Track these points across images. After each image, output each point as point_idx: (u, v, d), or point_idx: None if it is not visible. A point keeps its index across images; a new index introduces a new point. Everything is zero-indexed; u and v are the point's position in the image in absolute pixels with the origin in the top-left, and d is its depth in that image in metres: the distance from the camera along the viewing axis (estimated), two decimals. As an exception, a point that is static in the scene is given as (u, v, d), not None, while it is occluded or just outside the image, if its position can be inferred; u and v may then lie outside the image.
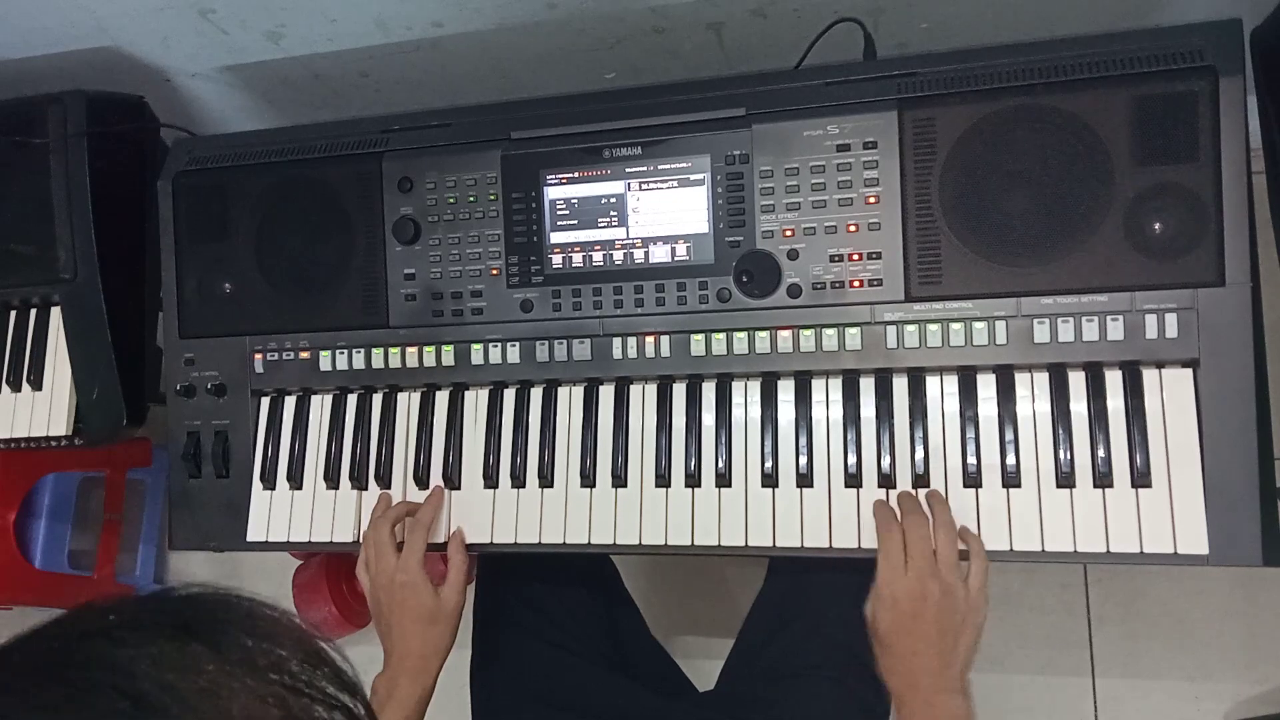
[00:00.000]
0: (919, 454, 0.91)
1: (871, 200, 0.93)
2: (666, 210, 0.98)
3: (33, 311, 1.24)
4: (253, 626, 0.44)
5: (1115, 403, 0.88)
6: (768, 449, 0.95)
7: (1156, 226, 0.86)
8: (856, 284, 0.93)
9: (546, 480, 1.00)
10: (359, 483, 1.07)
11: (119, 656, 0.40)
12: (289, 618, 0.46)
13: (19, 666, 0.41)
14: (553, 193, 1.01)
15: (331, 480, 1.07)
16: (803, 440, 0.94)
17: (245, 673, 0.42)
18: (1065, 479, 0.88)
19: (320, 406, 1.10)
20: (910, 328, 0.92)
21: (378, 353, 1.06)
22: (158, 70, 1.30)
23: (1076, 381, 0.89)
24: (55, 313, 1.23)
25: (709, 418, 0.97)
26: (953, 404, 0.92)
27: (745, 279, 0.96)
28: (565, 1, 1.12)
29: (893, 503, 0.89)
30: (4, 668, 0.41)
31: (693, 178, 0.97)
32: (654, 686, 1.11)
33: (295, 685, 0.43)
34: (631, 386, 1.00)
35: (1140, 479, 0.86)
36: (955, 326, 0.91)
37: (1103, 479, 0.87)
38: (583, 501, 0.99)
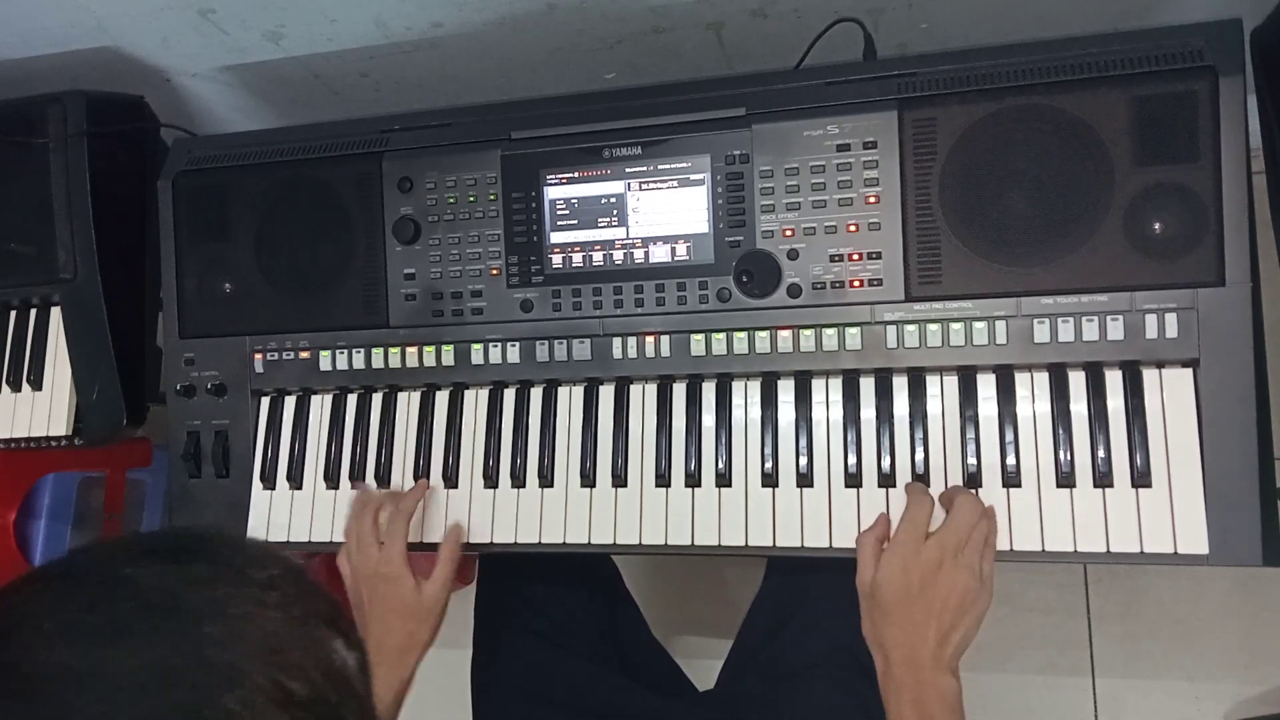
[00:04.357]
0: (919, 454, 0.91)
1: (871, 200, 0.93)
2: (666, 210, 0.98)
3: (33, 311, 1.24)
4: (242, 550, 0.49)
5: (1115, 403, 0.88)
6: (768, 449, 0.95)
7: (1156, 226, 0.86)
8: (856, 284, 0.93)
9: (546, 480, 1.00)
10: (359, 483, 1.06)
11: (131, 574, 0.45)
12: (271, 545, 0.52)
13: (50, 581, 0.46)
14: (553, 193, 1.01)
15: (331, 480, 1.07)
16: (803, 440, 0.94)
17: (243, 584, 0.46)
18: (1065, 479, 0.88)
19: (320, 406, 1.10)
20: (910, 328, 0.92)
21: (378, 353, 1.06)
22: (158, 70, 1.30)
23: (1076, 381, 0.89)
24: (55, 313, 1.23)
25: (709, 418, 0.97)
26: (953, 404, 0.92)
27: (745, 279, 0.96)
28: (565, 1, 1.12)
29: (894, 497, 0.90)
30: (41, 585, 0.46)
31: (693, 178, 0.97)
32: (654, 686, 1.11)
33: (287, 599, 0.47)
34: (631, 386, 1.00)
35: (1140, 479, 0.86)
36: (955, 326, 0.91)
37: (1103, 479, 0.87)
38: (583, 501, 0.99)
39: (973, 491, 0.88)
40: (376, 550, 0.95)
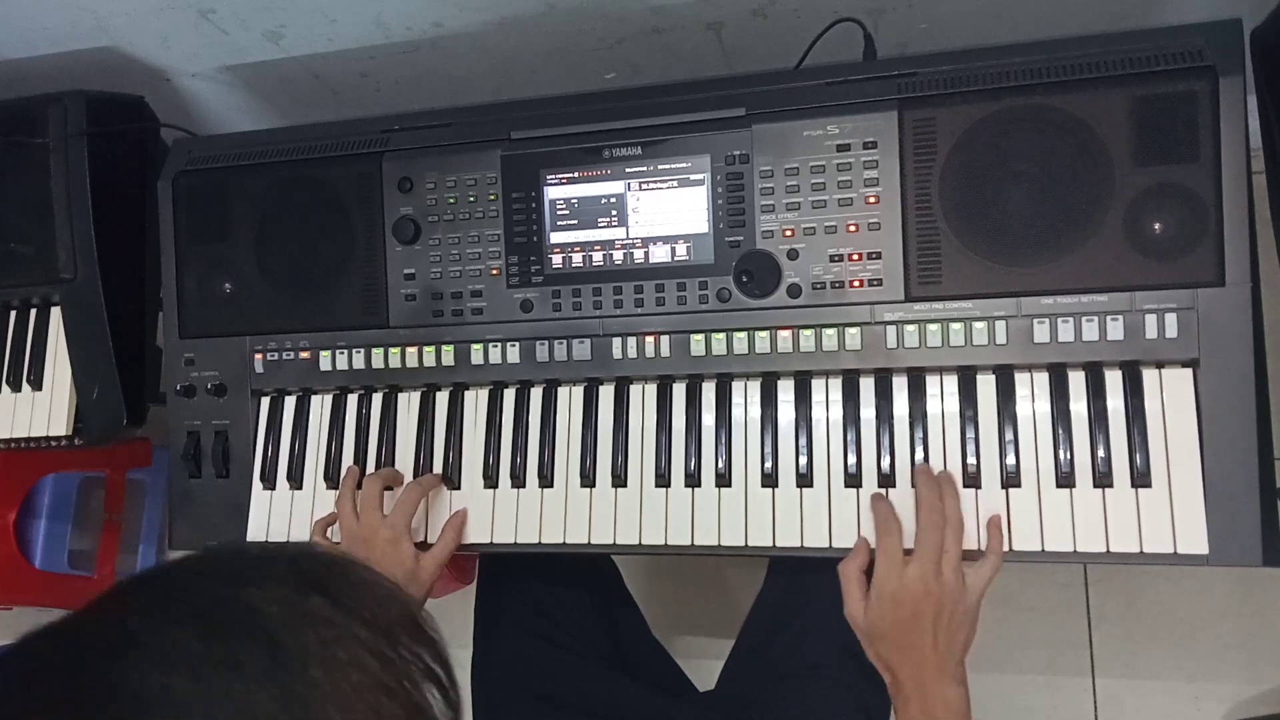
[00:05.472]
0: (919, 454, 0.91)
1: (871, 200, 0.93)
2: (666, 210, 0.98)
3: (33, 311, 1.24)
4: (363, 587, 0.46)
5: (1115, 403, 0.88)
6: (767, 449, 0.95)
7: (1156, 226, 0.86)
8: (856, 284, 0.93)
9: (546, 480, 1.00)
10: (359, 483, 1.06)
11: (251, 599, 0.42)
12: (396, 586, 0.49)
13: (140, 605, 0.43)
14: (553, 193, 1.01)
15: (332, 480, 1.07)
16: (802, 440, 0.94)
17: (359, 628, 0.44)
18: (1065, 479, 0.88)
19: (320, 406, 1.10)
20: (910, 328, 0.92)
21: (378, 353, 1.06)
22: (158, 70, 1.30)
23: (1076, 381, 0.89)
24: (55, 313, 1.23)
25: (709, 418, 0.97)
26: (953, 404, 0.92)
27: (745, 279, 0.96)
28: (565, 2, 1.12)
29: (896, 496, 0.89)
30: (121, 604, 0.43)
31: (693, 178, 0.97)
32: (654, 686, 1.11)
33: (398, 649, 0.45)
34: (631, 386, 1.00)
35: (1140, 479, 0.86)
36: (955, 326, 0.91)
37: (1102, 479, 0.87)
38: (582, 501, 0.99)
39: (938, 488, 0.86)
40: (380, 515, 0.96)
